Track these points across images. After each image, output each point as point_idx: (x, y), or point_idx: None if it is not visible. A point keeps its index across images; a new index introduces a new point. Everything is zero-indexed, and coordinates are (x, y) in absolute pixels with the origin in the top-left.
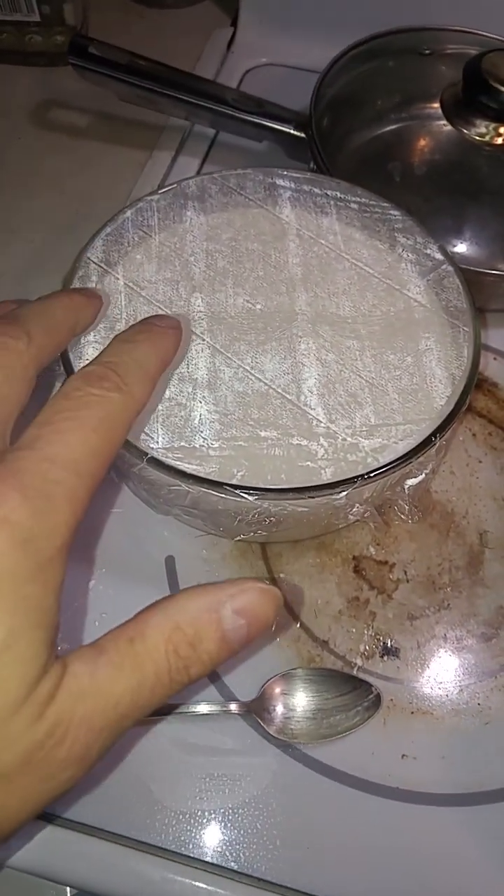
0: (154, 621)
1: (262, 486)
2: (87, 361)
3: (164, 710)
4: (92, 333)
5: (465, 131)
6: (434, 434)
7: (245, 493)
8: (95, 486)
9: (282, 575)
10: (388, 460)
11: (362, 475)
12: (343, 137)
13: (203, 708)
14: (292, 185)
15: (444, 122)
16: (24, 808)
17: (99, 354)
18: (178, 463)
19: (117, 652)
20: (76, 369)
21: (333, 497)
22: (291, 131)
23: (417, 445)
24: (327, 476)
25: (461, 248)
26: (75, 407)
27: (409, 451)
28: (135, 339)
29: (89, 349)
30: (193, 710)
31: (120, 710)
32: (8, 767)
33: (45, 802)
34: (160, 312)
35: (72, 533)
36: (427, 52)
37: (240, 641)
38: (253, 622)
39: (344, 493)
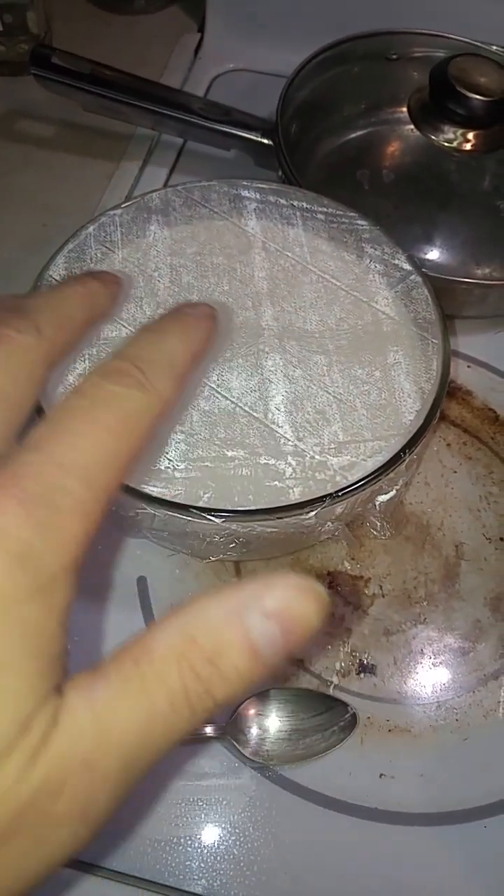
0: (163, 635)
1: (230, 507)
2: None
3: None
4: None
5: (432, 137)
6: (403, 450)
7: (212, 515)
8: (109, 499)
9: None
10: (356, 478)
11: (331, 494)
12: (311, 144)
13: None
14: (257, 197)
15: (412, 127)
16: (18, 878)
17: (123, 346)
18: (142, 486)
19: (120, 676)
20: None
21: (302, 517)
22: (259, 139)
23: (387, 462)
24: (296, 496)
25: (432, 255)
26: (90, 405)
27: (379, 469)
28: (163, 330)
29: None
30: None
31: (127, 751)
32: None
33: (44, 870)
34: (124, 331)
35: (81, 551)
36: (394, 56)
37: (275, 652)
38: (289, 627)
39: (313, 513)
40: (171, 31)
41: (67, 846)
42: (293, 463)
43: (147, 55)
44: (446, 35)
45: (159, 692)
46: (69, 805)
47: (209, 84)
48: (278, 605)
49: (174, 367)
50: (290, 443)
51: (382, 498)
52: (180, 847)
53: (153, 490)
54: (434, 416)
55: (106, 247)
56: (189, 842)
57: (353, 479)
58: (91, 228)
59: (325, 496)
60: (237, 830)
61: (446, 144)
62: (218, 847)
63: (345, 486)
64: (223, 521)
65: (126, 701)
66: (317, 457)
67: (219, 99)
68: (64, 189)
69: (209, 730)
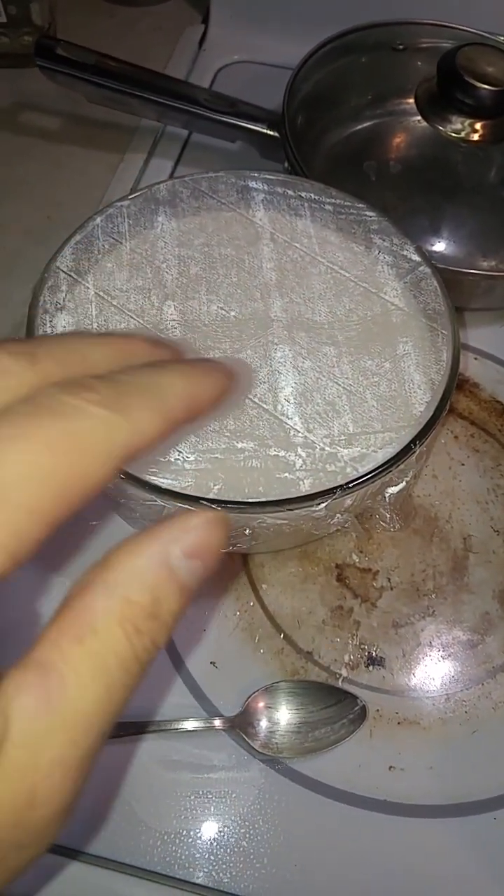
0: (100, 605)
1: (240, 499)
2: None
3: (146, 728)
4: None
5: (440, 128)
6: (414, 441)
7: (222, 507)
8: (38, 529)
9: (264, 586)
10: (367, 470)
11: (341, 486)
12: (318, 136)
13: (186, 725)
14: (265, 188)
15: (419, 118)
16: (4, 880)
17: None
18: (152, 478)
19: (69, 662)
20: None
21: (312, 509)
22: (265, 131)
23: (397, 453)
24: (306, 487)
25: (439, 247)
26: (31, 413)
27: (389, 460)
28: (162, 365)
29: None
30: (177, 727)
31: (96, 730)
32: None
33: (32, 863)
34: (132, 322)
35: None
36: (401, 46)
37: (198, 582)
38: (206, 556)
39: (323, 505)
40: (176, 22)
41: (54, 837)
42: (303, 454)
43: (151, 47)
44: (453, 25)
45: (113, 662)
46: (49, 808)
47: (214, 76)
48: (196, 541)
49: (162, 401)
50: (299, 434)
51: (392, 490)
52: (189, 840)
53: (163, 482)
54: (444, 407)
55: (114, 238)
56: (198, 834)
57: (363, 470)
58: (99, 220)
59: (336, 488)
60: (246, 823)
61: (454, 135)
62: (227, 840)
63: (355, 477)
64: (233, 513)
65: (84, 684)
66: (327, 448)
67: (224, 91)
68: (68, 181)
69: (218, 723)
